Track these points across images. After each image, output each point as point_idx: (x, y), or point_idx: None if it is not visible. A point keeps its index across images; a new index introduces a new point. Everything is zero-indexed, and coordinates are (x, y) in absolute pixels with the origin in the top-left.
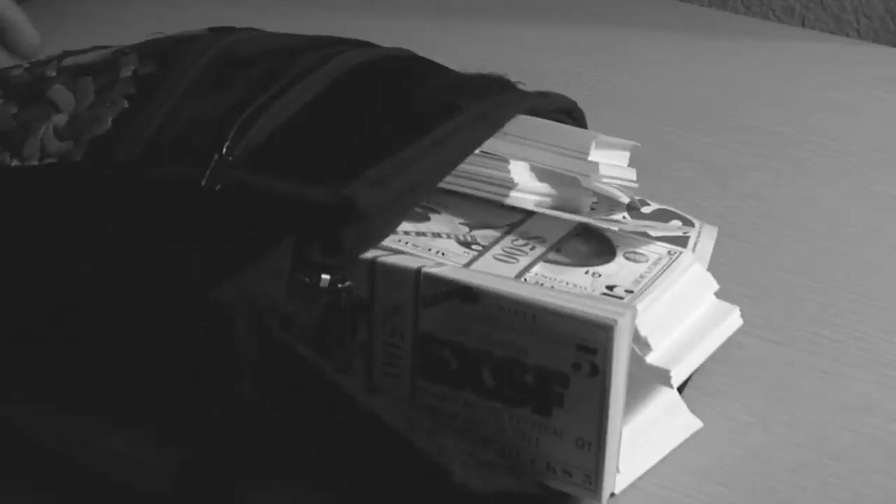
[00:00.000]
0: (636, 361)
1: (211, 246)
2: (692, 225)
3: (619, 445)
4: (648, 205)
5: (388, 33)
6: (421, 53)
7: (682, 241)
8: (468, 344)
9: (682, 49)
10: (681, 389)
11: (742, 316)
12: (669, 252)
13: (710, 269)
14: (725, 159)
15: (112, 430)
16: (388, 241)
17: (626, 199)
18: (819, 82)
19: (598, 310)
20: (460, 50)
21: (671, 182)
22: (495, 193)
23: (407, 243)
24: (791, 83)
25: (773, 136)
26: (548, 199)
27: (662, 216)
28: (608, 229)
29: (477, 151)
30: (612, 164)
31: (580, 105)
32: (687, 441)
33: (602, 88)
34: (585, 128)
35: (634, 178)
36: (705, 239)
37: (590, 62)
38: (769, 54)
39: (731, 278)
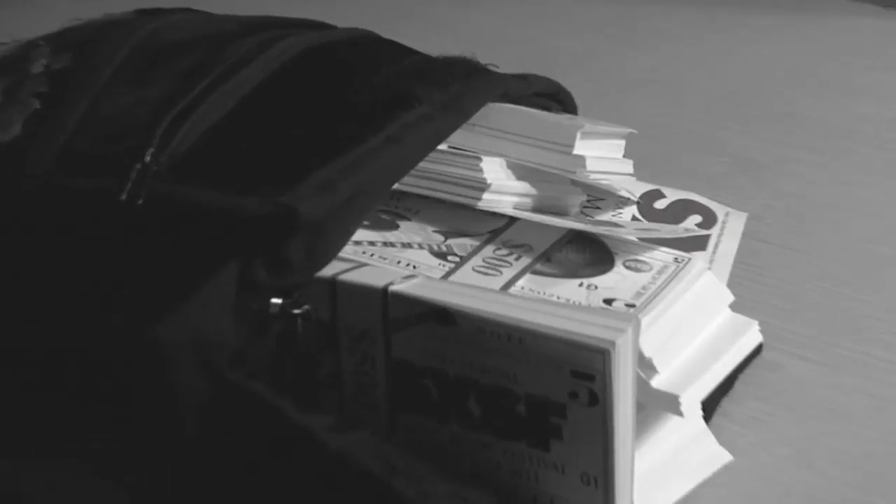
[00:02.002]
0: (641, 386)
1: (139, 273)
2: (714, 219)
3: (633, 481)
4: (664, 197)
5: (378, 3)
6: (412, 28)
7: (700, 242)
8: (449, 371)
9: (709, 25)
10: (707, 417)
11: (778, 332)
12: (677, 259)
13: (739, 277)
14: (760, 151)
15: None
16: (352, 254)
17: (625, 194)
18: (870, 63)
19: (594, 330)
20: (454, 26)
21: (696, 178)
22: (466, 196)
23: (373, 255)
24: (837, 64)
25: (816, 124)
26: (528, 201)
27: (678, 211)
28: (605, 234)
29: (443, 147)
30: (602, 157)
31: (589, 90)
32: (714, 476)
33: (615, 69)
34: (575, 113)
35: (631, 169)
36: (728, 238)
37: (601, 38)
38: (811, 31)
39: (765, 288)
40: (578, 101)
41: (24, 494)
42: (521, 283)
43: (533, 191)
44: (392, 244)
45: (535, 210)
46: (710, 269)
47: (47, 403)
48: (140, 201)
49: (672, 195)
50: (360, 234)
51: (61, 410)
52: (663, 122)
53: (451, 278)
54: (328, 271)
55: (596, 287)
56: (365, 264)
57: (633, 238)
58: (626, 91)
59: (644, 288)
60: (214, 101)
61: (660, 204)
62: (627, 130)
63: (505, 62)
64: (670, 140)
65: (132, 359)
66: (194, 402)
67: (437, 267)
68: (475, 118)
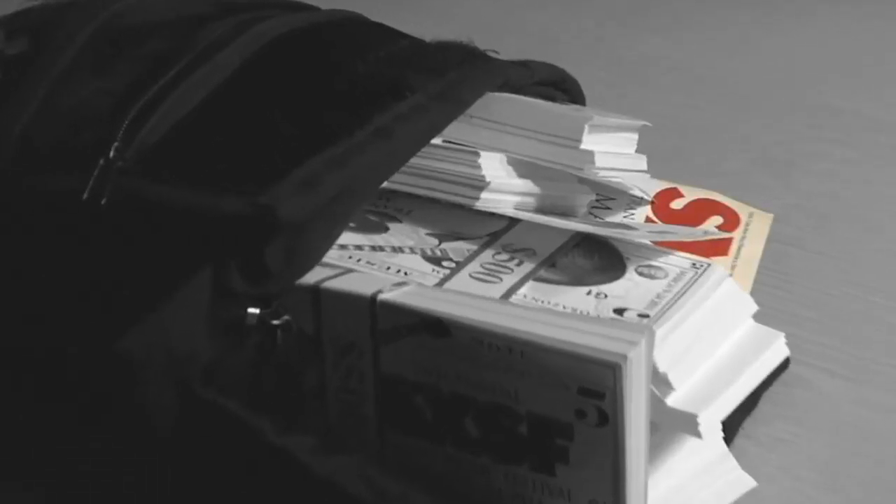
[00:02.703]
0: (655, 405)
1: (102, 280)
2: (736, 221)
3: None
4: (682, 196)
5: None
6: (404, 11)
7: (720, 245)
8: (444, 387)
9: (731, 7)
10: (729, 439)
11: (806, 345)
12: (695, 265)
13: (763, 284)
14: (787, 146)
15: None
16: (337, 259)
17: (638, 193)
18: None
19: (603, 342)
20: (449, 8)
21: (716, 175)
22: (462, 195)
23: (360, 260)
24: (870, 52)
25: (848, 117)
26: (531, 200)
27: (697, 212)
28: (615, 237)
29: (437, 142)
30: (613, 152)
31: (598, 78)
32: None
33: (627, 55)
34: (583, 104)
35: (644, 166)
36: (752, 241)
37: (611, 21)
38: (842, 16)
39: (792, 296)
40: (586, 90)
41: None
42: (522, 290)
43: (536, 189)
44: (381, 248)
45: (539, 211)
46: (731, 275)
47: (13, 417)
48: (104, 200)
49: (690, 194)
50: (346, 238)
51: (29, 429)
52: (680, 113)
53: (446, 286)
54: (311, 278)
55: (605, 295)
56: (351, 270)
57: (647, 241)
58: (638, 79)
59: (658, 296)
60: (185, 90)
61: (676, 204)
62: (640, 123)
63: (505, 48)
64: (688, 134)
65: (96, 374)
66: (165, 422)
67: (430, 273)
68: (473, 109)
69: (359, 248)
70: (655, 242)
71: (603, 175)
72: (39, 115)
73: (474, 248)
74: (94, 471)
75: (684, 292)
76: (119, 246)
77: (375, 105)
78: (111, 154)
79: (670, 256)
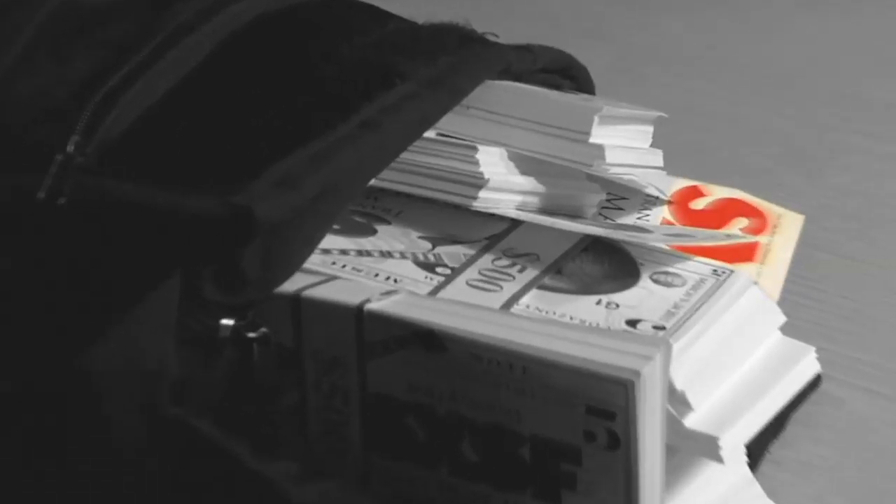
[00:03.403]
0: (672, 426)
1: (61, 289)
2: (763, 223)
3: None
4: (703, 195)
5: None
6: None
7: (745, 250)
8: (438, 407)
9: None
10: (753, 465)
11: (840, 361)
12: (716, 271)
13: (793, 293)
14: (818, 140)
15: None
16: (320, 265)
17: (653, 192)
18: None
19: (615, 357)
20: None
21: (741, 172)
22: (458, 194)
23: (345, 266)
24: None
25: (883, 108)
26: (534, 200)
27: (719, 212)
28: (628, 241)
29: (431, 135)
30: (625, 146)
31: (609, 64)
32: None
33: (641, 40)
34: (592, 93)
35: (661, 161)
36: (781, 245)
37: (626, 2)
38: (888, 3)
39: (824, 306)
40: (596, 77)
41: None
42: (525, 300)
43: (540, 188)
44: (368, 253)
45: (543, 211)
46: (757, 283)
47: None
48: (62, 200)
49: (712, 193)
50: (330, 241)
51: None
52: (702, 103)
53: (441, 294)
54: (291, 286)
55: (617, 305)
56: (335, 277)
57: (663, 245)
58: (655, 65)
59: (676, 306)
60: (152, 78)
61: (697, 204)
62: (656, 114)
63: (506, 31)
64: (710, 126)
65: (57, 392)
66: (131, 445)
67: (423, 281)
68: (470, 99)
69: (344, 252)
70: (673, 246)
71: (614, 172)
72: None
73: (472, 252)
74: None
75: (705, 302)
76: (78, 251)
77: (362, 94)
78: (70, 149)
79: (689, 262)
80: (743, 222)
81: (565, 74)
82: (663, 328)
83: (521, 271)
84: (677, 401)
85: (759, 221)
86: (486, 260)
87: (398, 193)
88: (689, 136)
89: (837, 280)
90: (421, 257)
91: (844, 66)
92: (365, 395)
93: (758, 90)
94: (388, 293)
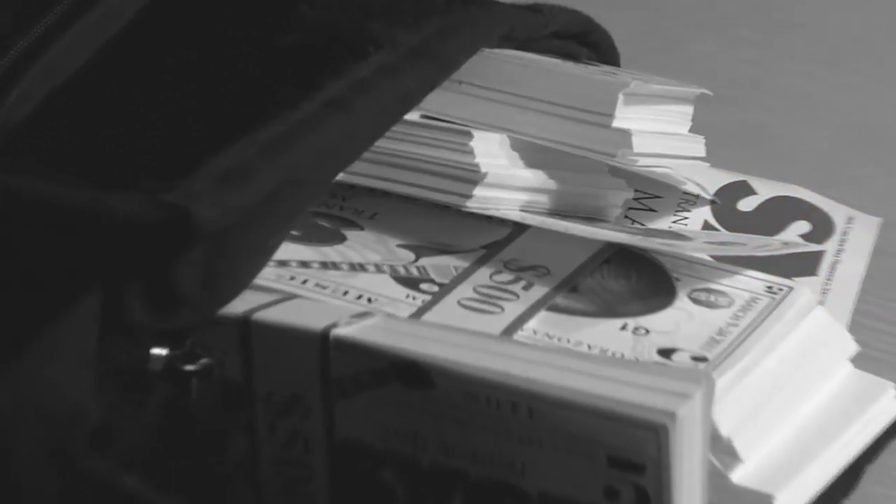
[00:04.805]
0: (716, 481)
1: None
2: (830, 227)
3: None
4: (754, 193)
5: None
6: None
7: (808, 262)
8: (423, 458)
9: None
10: None
11: None
12: (771, 288)
13: (868, 315)
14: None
15: None
16: (275, 280)
17: (693, 189)
18: None
19: (644, 396)
20: None
21: (801, 162)
22: (449, 192)
23: (306, 282)
24: None
25: None
26: (543, 199)
27: (775, 214)
28: (661, 250)
29: (414, 118)
30: (658, 132)
31: (637, 29)
32: None
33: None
34: (616, 64)
35: (702, 151)
36: (851, 256)
37: None
38: None
39: None
40: (621, 44)
41: None
42: (532, 324)
43: (551, 184)
44: (335, 265)
45: (555, 213)
46: (822, 303)
47: None
48: None
49: (765, 190)
50: (288, 250)
51: None
52: (752, 77)
53: (426, 317)
54: (239, 306)
55: (647, 331)
56: (294, 296)
57: (705, 256)
58: (693, 30)
59: (721, 333)
60: (65, 48)
61: (746, 204)
62: (697, 91)
63: None
64: (762, 106)
65: None
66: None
67: (403, 300)
68: (462, 73)
69: (305, 264)
70: (717, 258)
71: (644, 163)
72: None
73: (465, 265)
74: None
75: (757, 326)
76: None
77: (327, 67)
78: None
79: (737, 277)
80: (803, 226)
81: (583, 41)
82: (705, 359)
83: (526, 288)
84: (722, 450)
85: (824, 226)
86: (482, 274)
87: (373, 191)
88: (738, 119)
89: None
90: (401, 271)
91: None
92: (332, 443)
93: (825, 60)
94: (361, 316)
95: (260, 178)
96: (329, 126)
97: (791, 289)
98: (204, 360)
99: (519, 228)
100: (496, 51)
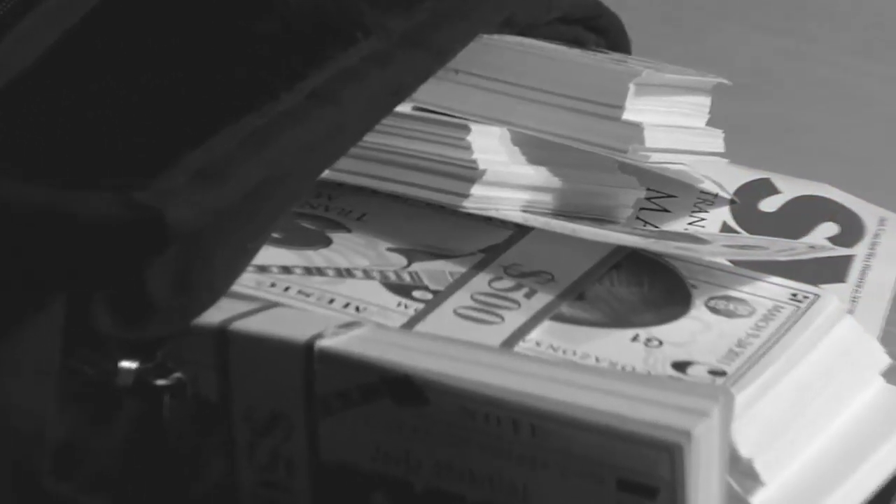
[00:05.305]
0: None
1: None
2: (860, 230)
3: None
4: (777, 192)
5: None
6: None
7: (836, 267)
8: (416, 481)
9: None
10: None
11: None
12: (796, 296)
13: None
14: None
15: None
16: (253, 287)
17: (710, 188)
18: None
19: (656, 413)
20: None
21: (832, 159)
22: (444, 191)
23: (288, 289)
24: None
25: None
26: (547, 199)
27: (800, 215)
28: (675, 255)
29: (405, 110)
30: (673, 125)
31: (650, 13)
32: None
33: None
34: (627, 51)
35: (721, 146)
36: (884, 261)
37: None
38: None
39: None
40: (633, 30)
41: None
42: (535, 335)
43: (555, 182)
44: (320, 271)
45: (560, 214)
46: (852, 312)
47: None
48: None
49: (790, 189)
50: (269, 255)
51: None
52: (776, 65)
53: (420, 327)
54: (215, 315)
55: (660, 343)
56: (275, 304)
57: (724, 261)
58: (711, 16)
59: (741, 344)
60: (24, 31)
61: (769, 204)
62: (715, 80)
63: None
64: (788, 95)
65: None
66: None
67: (395, 309)
68: (459, 61)
69: (287, 270)
70: (736, 263)
71: (657, 160)
72: None
73: (461, 270)
74: None
75: (780, 338)
76: None
77: (311, 54)
78: None
79: (759, 284)
80: (831, 228)
81: (590, 26)
82: (723, 373)
83: (528, 296)
84: (742, 472)
85: (854, 228)
86: (481, 280)
87: (361, 190)
88: (760, 111)
89: None
90: (392, 277)
91: None
92: (317, 464)
93: (857, 48)
94: (348, 326)
95: (238, 176)
96: (314, 119)
97: (817, 296)
98: (177, 375)
99: (520, 231)
100: (495, 37)
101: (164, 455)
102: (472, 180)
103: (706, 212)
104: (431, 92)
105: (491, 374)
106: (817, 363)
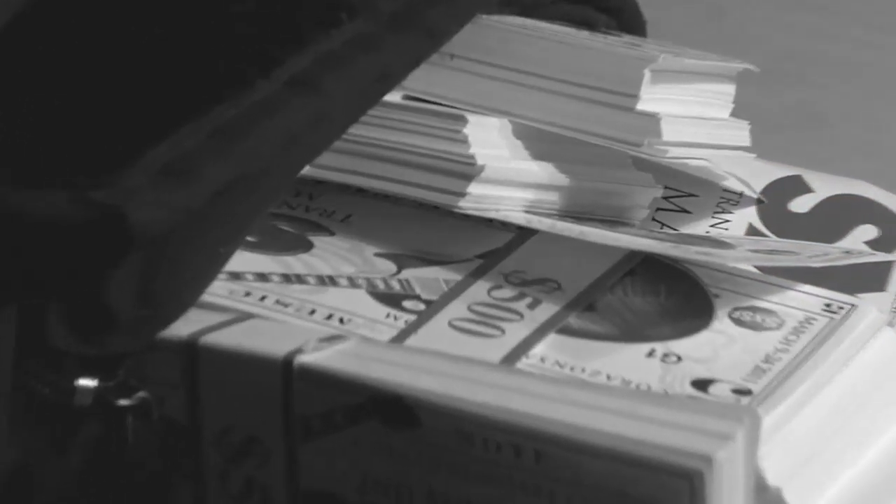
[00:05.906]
0: None
1: None
2: None
3: None
4: (810, 191)
5: None
6: None
7: (875, 275)
8: None
9: None
10: None
11: None
12: (829, 306)
13: None
14: None
15: None
16: (226, 296)
17: (734, 186)
18: None
19: (675, 437)
20: None
21: (871, 155)
22: (438, 189)
23: (265, 298)
24: None
25: None
26: (553, 198)
27: (835, 217)
28: (696, 260)
29: (395, 99)
30: (693, 116)
31: None
32: None
33: None
34: (642, 34)
35: (746, 139)
36: None
37: None
38: None
39: None
40: (649, 10)
41: None
42: (539, 349)
43: (562, 179)
44: (300, 278)
45: (567, 215)
46: (892, 324)
47: None
48: None
49: (823, 188)
50: (243, 260)
51: None
52: (807, 49)
53: (411, 341)
54: (183, 328)
55: (678, 358)
56: (251, 315)
57: (750, 267)
58: None
59: (768, 360)
60: None
61: (800, 204)
62: (740, 66)
63: None
64: (821, 83)
65: None
66: None
67: (383, 321)
68: (454, 44)
69: (263, 277)
70: (764, 269)
71: (676, 154)
72: None
73: (457, 278)
74: None
75: (812, 353)
76: None
77: (289, 38)
78: None
79: (789, 293)
80: (870, 231)
81: (601, 6)
82: (749, 392)
83: (532, 307)
84: (771, 500)
85: (893, 230)
86: (479, 289)
87: (345, 188)
88: (791, 100)
89: None
90: (380, 285)
91: None
92: (296, 494)
93: (887, 26)
94: (331, 339)
95: (208, 172)
96: (292, 109)
97: (854, 307)
98: (141, 394)
99: (523, 234)
100: (495, 17)
101: (127, 483)
102: (469, 177)
103: (730, 213)
104: (424, 79)
105: (490, 394)
106: (853, 381)
